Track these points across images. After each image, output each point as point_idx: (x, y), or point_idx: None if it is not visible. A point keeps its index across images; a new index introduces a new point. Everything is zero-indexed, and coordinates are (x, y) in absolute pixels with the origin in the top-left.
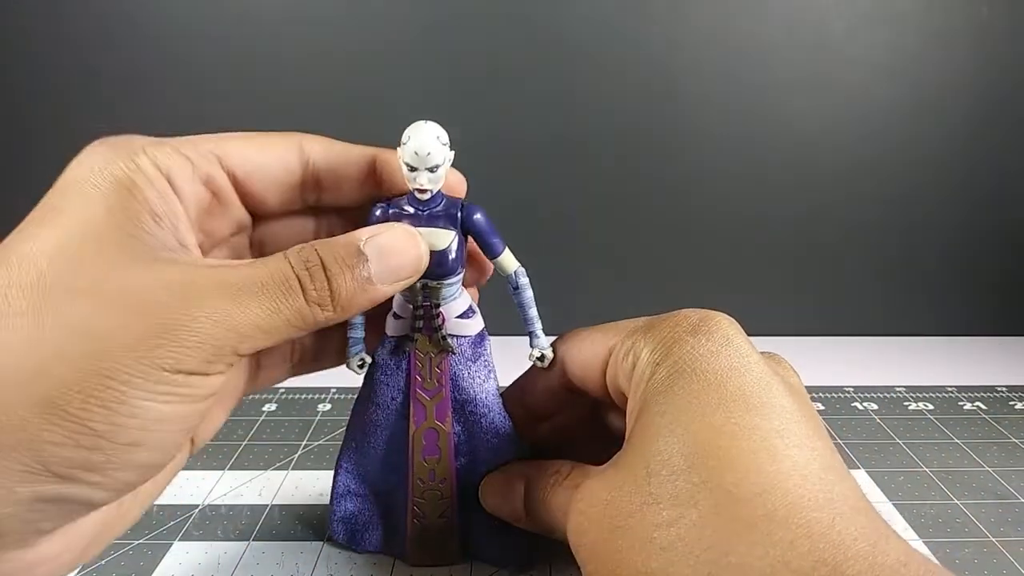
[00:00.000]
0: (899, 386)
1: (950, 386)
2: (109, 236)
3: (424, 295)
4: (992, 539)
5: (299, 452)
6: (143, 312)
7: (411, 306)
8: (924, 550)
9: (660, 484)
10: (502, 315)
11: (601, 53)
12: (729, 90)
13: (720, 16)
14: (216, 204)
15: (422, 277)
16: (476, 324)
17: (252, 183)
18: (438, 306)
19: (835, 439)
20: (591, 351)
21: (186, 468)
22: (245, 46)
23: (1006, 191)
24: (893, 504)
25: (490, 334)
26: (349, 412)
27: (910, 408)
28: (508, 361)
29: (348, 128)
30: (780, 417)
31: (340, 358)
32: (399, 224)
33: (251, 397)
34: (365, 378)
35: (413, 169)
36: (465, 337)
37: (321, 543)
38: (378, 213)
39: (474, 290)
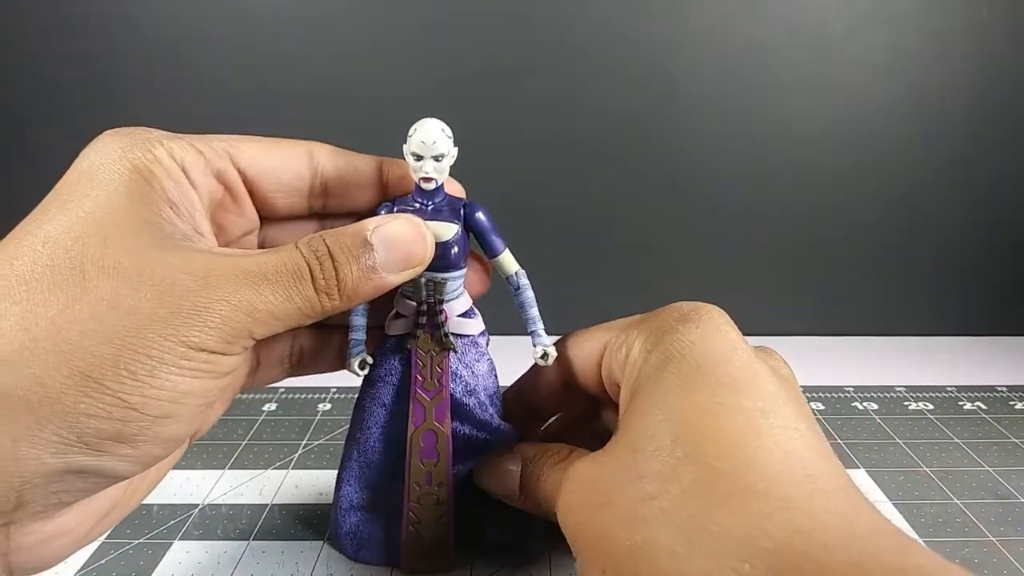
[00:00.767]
0: (899, 386)
1: (950, 386)
2: (130, 222)
3: (428, 291)
4: (992, 539)
5: (299, 451)
6: (170, 293)
7: (414, 303)
8: None
9: (645, 460)
10: (502, 315)
11: (601, 53)
12: (729, 90)
13: (720, 16)
14: (229, 200)
15: (426, 270)
16: (477, 324)
17: (262, 185)
18: (442, 302)
19: (835, 439)
20: (588, 347)
21: (186, 468)
22: (245, 46)
23: (1006, 191)
24: (893, 504)
25: (490, 334)
26: (349, 412)
27: (910, 408)
28: (508, 361)
29: (348, 128)
30: (765, 399)
31: (337, 363)
32: (405, 215)
33: (251, 397)
34: (365, 378)
35: (419, 158)
36: (466, 336)
37: (321, 543)
38: (383, 213)
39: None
